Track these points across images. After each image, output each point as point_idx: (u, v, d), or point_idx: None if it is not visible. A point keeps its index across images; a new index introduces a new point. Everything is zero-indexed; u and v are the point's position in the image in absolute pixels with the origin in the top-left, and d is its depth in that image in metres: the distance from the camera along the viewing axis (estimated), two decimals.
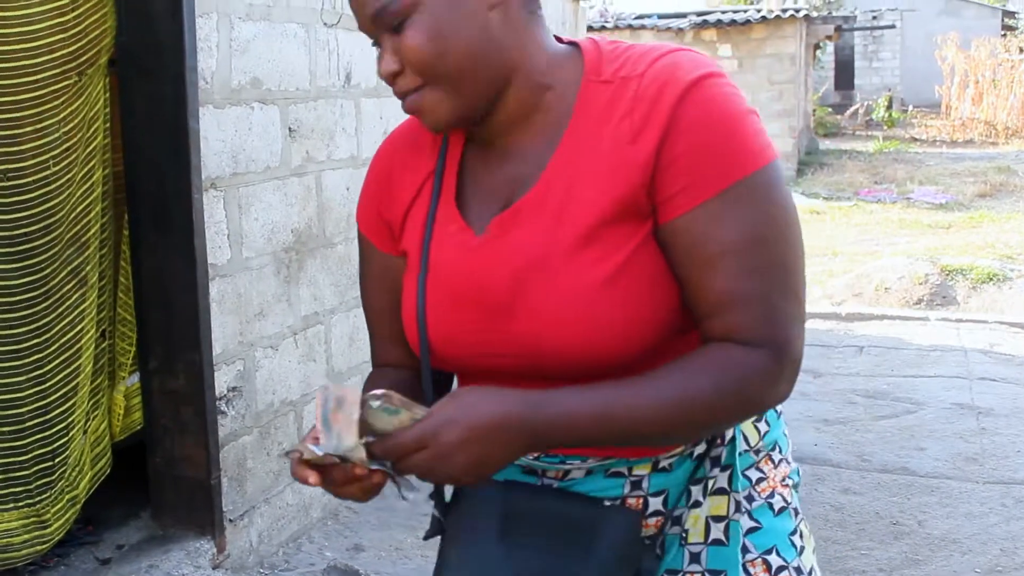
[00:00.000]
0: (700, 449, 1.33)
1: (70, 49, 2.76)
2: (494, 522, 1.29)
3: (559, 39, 1.32)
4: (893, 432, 4.70)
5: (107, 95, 2.94)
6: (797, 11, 16.86)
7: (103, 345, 3.02)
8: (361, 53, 3.85)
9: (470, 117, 1.25)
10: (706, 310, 1.20)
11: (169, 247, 3.01)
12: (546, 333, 1.21)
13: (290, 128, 3.46)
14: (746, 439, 1.38)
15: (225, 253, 3.17)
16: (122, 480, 3.26)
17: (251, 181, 3.28)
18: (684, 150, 1.16)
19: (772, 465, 1.42)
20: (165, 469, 3.17)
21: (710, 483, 1.34)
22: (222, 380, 3.19)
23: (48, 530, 2.78)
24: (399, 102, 1.25)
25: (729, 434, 1.35)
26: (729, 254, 1.16)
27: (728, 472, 1.35)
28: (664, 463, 1.32)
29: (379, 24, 1.21)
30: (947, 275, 8.04)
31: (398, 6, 1.19)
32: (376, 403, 1.12)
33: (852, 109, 26.80)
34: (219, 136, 3.11)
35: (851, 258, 9.64)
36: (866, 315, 7.13)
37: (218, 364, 3.16)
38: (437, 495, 1.36)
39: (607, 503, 1.31)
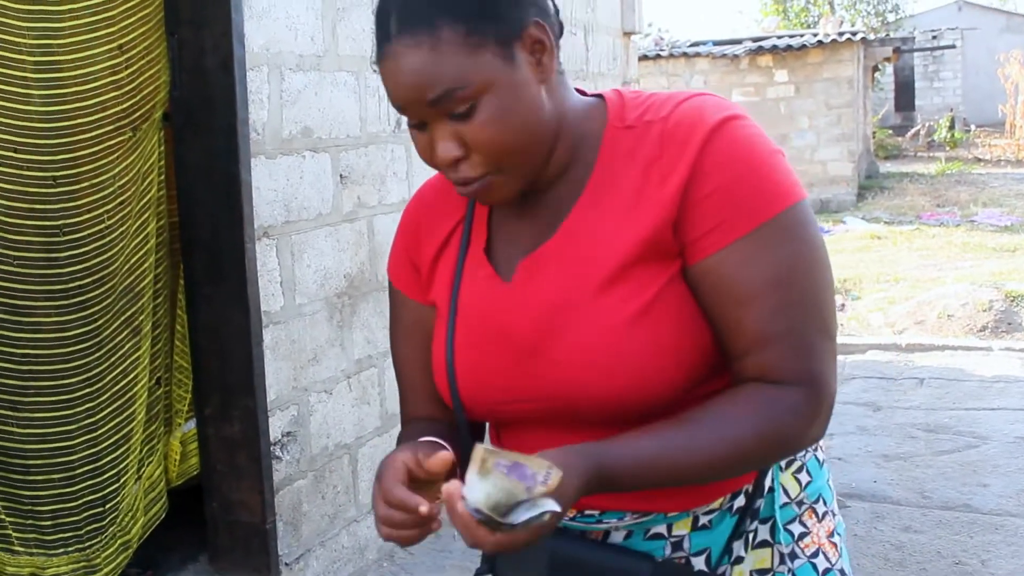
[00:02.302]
0: (740, 503, 1.32)
1: (124, 106, 2.83)
2: (543, 569, 1.29)
3: (583, 92, 1.35)
4: (955, 468, 4.61)
5: (161, 148, 3.01)
6: (854, 34, 16.72)
7: (158, 392, 3.08)
8: None
9: (526, 187, 1.27)
10: (739, 350, 1.21)
11: (223, 296, 3.06)
12: (572, 375, 1.22)
13: (341, 175, 3.51)
14: (786, 491, 1.37)
15: (278, 300, 3.22)
16: (181, 523, 3.32)
17: (303, 228, 3.33)
18: (712, 190, 1.18)
19: (816, 519, 1.40)
20: (221, 514, 3.21)
21: (751, 536, 1.34)
22: (276, 425, 3.23)
23: (98, 574, 2.83)
24: None
25: (768, 484, 1.34)
26: (760, 294, 1.18)
27: (769, 524, 1.34)
28: (704, 520, 1.31)
29: (439, 109, 1.17)
30: (1012, 301, 7.90)
31: (469, 91, 1.15)
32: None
33: (913, 130, 26.49)
34: (271, 185, 3.16)
35: (913, 284, 9.50)
36: (927, 346, 7.02)
37: (272, 410, 3.20)
38: None
39: (658, 559, 1.30)
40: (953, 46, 28.80)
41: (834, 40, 16.32)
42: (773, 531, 1.34)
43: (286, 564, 3.27)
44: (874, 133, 23.01)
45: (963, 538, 3.88)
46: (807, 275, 1.19)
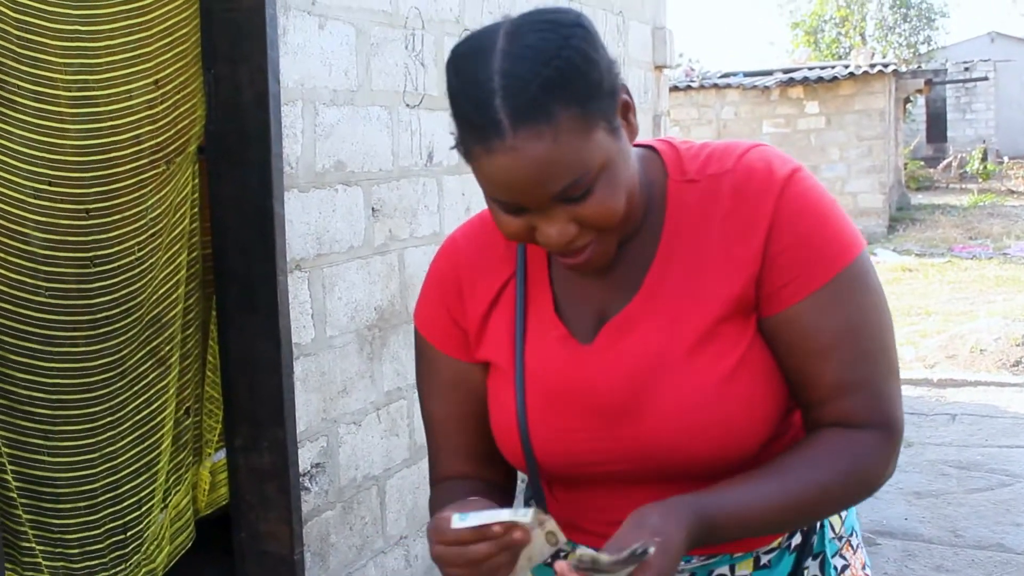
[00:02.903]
0: (797, 540, 1.35)
1: (160, 139, 2.87)
2: None
3: None
4: (988, 506, 4.57)
5: (195, 181, 3.04)
6: (885, 66, 16.71)
7: (186, 423, 3.10)
8: (443, 132, 3.92)
9: None
10: (817, 398, 1.23)
11: (255, 328, 3.09)
12: (670, 434, 1.21)
13: (373, 208, 3.54)
14: (831, 526, 1.40)
15: (309, 332, 3.25)
16: (211, 552, 3.33)
17: (335, 261, 3.35)
18: (788, 244, 1.21)
19: (852, 551, 1.43)
20: (250, 544, 3.22)
21: (805, 573, 1.36)
22: (306, 457, 3.24)
23: None
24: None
25: (818, 522, 1.37)
26: (837, 343, 1.21)
27: (819, 559, 1.37)
28: (764, 559, 1.33)
29: (561, 199, 1.14)
30: None
31: (589, 177, 1.13)
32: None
33: (945, 162, 26.38)
34: (304, 219, 3.19)
35: (945, 317, 9.45)
36: (959, 381, 6.96)
37: (302, 441, 3.21)
38: None
39: None
40: (986, 78, 28.69)
41: (865, 72, 16.31)
42: (823, 566, 1.36)
43: None
44: (905, 165, 22.92)
45: None
46: (877, 321, 1.23)
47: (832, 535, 1.39)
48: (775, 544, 1.33)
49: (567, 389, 1.27)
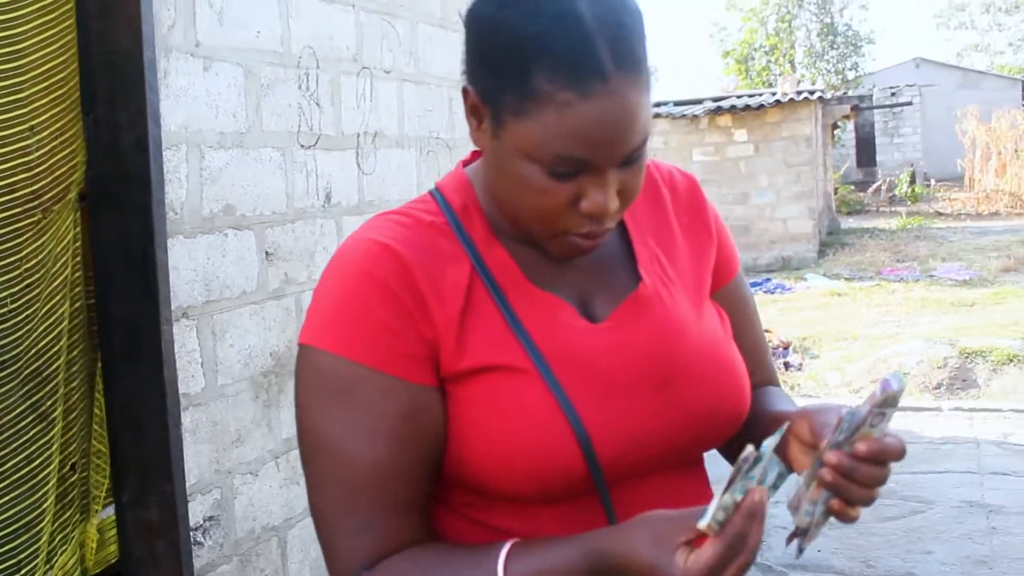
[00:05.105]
0: None
1: (35, 187, 2.78)
2: None
3: None
4: (899, 534, 4.58)
5: (77, 229, 2.96)
6: (812, 93, 16.96)
7: (72, 479, 3.00)
8: (340, 172, 3.87)
9: None
10: (751, 363, 1.37)
11: (140, 378, 3.00)
12: (709, 392, 1.25)
13: (267, 252, 3.47)
14: None
15: (199, 382, 3.16)
16: None
17: (226, 308, 3.28)
18: (721, 231, 1.40)
19: None
20: None
21: None
22: (197, 510, 3.15)
23: None
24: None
25: None
26: (755, 313, 1.44)
27: None
28: None
29: (625, 160, 1.13)
30: (966, 358, 7.95)
31: (647, 140, 1.15)
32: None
33: (875, 186, 26.84)
34: (190, 265, 3.12)
35: (870, 342, 9.56)
36: None
37: (193, 494, 3.12)
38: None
39: None
40: (910, 103, 29.24)
41: (791, 99, 16.54)
42: None
43: None
44: (836, 189, 23.27)
45: None
46: None
47: None
48: None
49: (602, 368, 1.18)
